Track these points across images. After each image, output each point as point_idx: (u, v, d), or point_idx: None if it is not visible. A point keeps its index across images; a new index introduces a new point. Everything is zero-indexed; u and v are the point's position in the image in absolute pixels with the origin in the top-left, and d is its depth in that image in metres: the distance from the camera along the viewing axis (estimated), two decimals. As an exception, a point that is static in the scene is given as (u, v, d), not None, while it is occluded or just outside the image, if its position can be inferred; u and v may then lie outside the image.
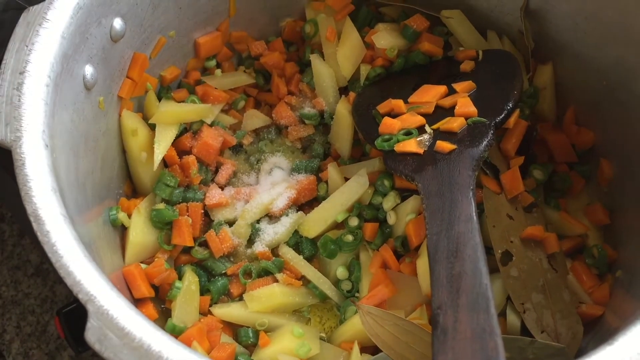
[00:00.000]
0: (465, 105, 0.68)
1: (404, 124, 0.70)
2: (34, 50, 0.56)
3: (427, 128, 0.68)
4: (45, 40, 0.57)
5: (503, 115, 0.67)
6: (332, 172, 0.76)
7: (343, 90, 0.82)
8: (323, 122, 0.82)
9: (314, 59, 0.81)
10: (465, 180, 0.59)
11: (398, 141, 0.68)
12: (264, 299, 0.71)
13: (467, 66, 0.75)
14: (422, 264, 0.67)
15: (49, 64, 0.57)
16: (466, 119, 0.68)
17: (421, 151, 0.66)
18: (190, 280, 0.72)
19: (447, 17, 0.79)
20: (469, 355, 0.44)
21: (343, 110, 0.78)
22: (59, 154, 0.56)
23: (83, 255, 0.49)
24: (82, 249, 0.49)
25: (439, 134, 0.67)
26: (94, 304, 0.46)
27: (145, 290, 0.67)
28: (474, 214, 0.56)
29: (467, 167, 0.61)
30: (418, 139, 0.67)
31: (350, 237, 0.73)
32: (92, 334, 0.45)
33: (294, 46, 0.87)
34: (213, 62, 0.83)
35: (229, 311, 0.71)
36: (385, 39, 0.79)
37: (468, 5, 0.80)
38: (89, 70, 0.64)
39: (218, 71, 0.83)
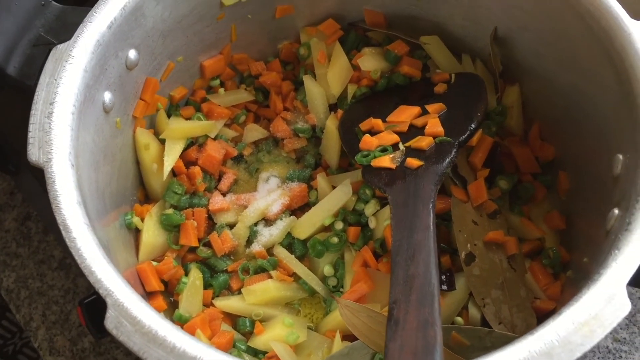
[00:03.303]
0: (434, 125, 0.76)
1: (381, 141, 0.78)
2: (62, 83, 0.64)
3: (401, 145, 0.76)
4: (71, 74, 0.65)
5: (466, 135, 0.75)
6: (320, 181, 0.84)
7: (333, 107, 0.89)
8: (315, 136, 0.89)
9: (307, 80, 0.88)
10: (427, 193, 0.68)
11: (375, 157, 0.76)
12: (260, 293, 0.78)
13: (440, 89, 0.83)
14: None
15: (74, 95, 0.64)
16: (434, 138, 0.76)
17: (393, 166, 0.74)
18: (195, 276, 0.78)
19: (425, 42, 0.86)
20: (414, 342, 0.53)
21: (332, 126, 0.86)
22: (82, 171, 0.64)
23: (102, 257, 0.57)
24: (102, 252, 0.57)
25: (410, 151, 0.75)
26: (111, 298, 0.55)
27: (156, 285, 0.75)
28: (431, 224, 0.64)
29: (431, 181, 0.69)
30: (391, 155, 0.75)
31: (335, 239, 0.80)
32: (110, 322, 0.54)
33: (291, 65, 0.94)
34: (217, 82, 0.90)
35: (229, 303, 0.78)
36: (369, 62, 0.86)
37: (445, 31, 0.87)
38: (107, 96, 0.71)
39: (221, 90, 0.90)
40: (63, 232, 0.58)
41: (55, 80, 0.65)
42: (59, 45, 0.67)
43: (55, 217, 0.58)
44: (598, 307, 0.53)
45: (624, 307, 0.53)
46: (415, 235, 0.63)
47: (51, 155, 0.61)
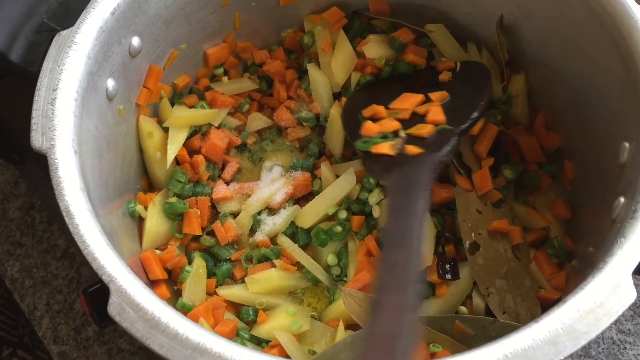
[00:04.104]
0: (436, 113, 0.75)
1: (382, 128, 0.77)
2: (65, 69, 0.64)
3: (402, 132, 0.76)
4: (74, 60, 0.65)
5: (468, 123, 0.74)
6: (324, 170, 0.83)
7: (337, 96, 0.89)
8: (319, 124, 0.89)
9: (311, 68, 0.88)
10: (423, 181, 0.67)
11: (375, 143, 0.76)
12: (263, 282, 0.78)
13: (444, 77, 0.82)
14: (401, 252, 0.75)
15: (77, 81, 0.64)
16: (436, 125, 0.75)
17: (393, 153, 0.73)
18: (199, 265, 0.78)
19: (430, 30, 0.86)
20: (392, 324, 0.52)
21: (336, 115, 0.85)
22: (85, 158, 0.63)
23: (106, 244, 0.57)
24: (105, 239, 0.57)
25: (411, 139, 0.75)
26: (114, 284, 0.55)
27: (159, 273, 0.74)
28: (422, 210, 0.63)
29: (429, 169, 0.68)
30: (392, 142, 0.75)
31: (339, 228, 0.80)
32: (113, 308, 0.54)
33: (295, 54, 0.93)
34: (221, 70, 0.90)
35: (232, 292, 0.78)
36: (374, 49, 0.86)
37: (450, 19, 0.86)
38: (110, 83, 0.71)
39: (225, 78, 0.89)
40: (66, 219, 0.57)
41: (59, 66, 0.65)
42: (62, 32, 0.67)
43: (58, 204, 0.58)
44: (603, 295, 0.53)
45: (630, 295, 0.53)
46: (406, 221, 0.62)
47: (54, 142, 0.61)
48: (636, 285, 0.90)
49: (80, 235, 0.57)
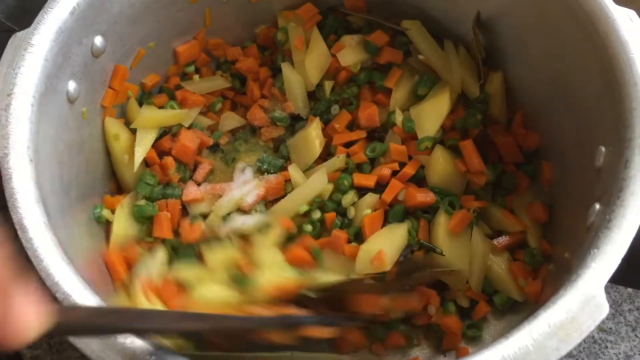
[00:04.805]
0: None
1: None
2: (20, 73, 0.61)
3: None
4: (30, 63, 0.62)
5: None
6: (292, 172, 0.81)
7: (311, 95, 0.87)
8: (292, 124, 0.87)
9: (285, 67, 0.85)
10: None
11: None
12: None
13: None
14: (364, 249, 0.74)
15: (33, 85, 0.61)
16: None
17: None
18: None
19: (406, 28, 0.83)
20: None
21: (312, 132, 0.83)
22: (43, 166, 0.61)
23: (61, 259, 0.55)
24: (60, 253, 0.55)
25: None
26: (69, 302, 0.52)
27: (124, 274, 0.72)
28: None
29: None
30: None
31: (309, 227, 0.78)
32: (67, 327, 0.52)
33: (268, 51, 0.91)
34: (192, 68, 0.87)
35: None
36: (348, 56, 0.84)
37: (427, 15, 0.84)
38: (72, 85, 0.68)
39: (196, 76, 0.87)
40: (19, 232, 0.55)
41: (14, 70, 0.62)
42: (17, 33, 0.64)
43: (12, 216, 0.56)
44: (575, 310, 0.51)
45: (602, 310, 0.51)
46: None
47: (8, 151, 0.58)
48: (613, 291, 0.89)
49: (34, 250, 0.54)
